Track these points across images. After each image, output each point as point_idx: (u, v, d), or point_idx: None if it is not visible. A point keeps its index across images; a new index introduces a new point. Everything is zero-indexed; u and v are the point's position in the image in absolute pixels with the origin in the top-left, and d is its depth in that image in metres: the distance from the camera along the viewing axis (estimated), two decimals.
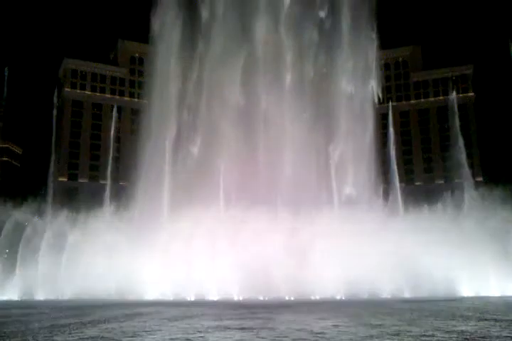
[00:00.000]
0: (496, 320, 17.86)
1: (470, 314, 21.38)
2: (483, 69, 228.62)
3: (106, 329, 15.90)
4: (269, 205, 52.24)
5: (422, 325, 16.48)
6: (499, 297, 43.84)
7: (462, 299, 40.00)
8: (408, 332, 14.07)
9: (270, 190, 59.75)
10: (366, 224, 48.62)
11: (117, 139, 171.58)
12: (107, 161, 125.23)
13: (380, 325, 16.34)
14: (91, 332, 15.10)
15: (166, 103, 70.24)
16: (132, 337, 13.54)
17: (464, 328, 15.00)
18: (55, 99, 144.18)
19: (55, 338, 13.38)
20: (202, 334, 13.95)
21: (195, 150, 67.19)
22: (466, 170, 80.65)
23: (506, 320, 17.91)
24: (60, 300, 47.28)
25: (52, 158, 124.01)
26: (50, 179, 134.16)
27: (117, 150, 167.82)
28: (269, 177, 61.60)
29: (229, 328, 15.88)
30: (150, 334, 14.17)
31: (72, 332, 15.18)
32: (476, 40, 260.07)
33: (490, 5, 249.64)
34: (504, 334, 13.34)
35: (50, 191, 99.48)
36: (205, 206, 51.14)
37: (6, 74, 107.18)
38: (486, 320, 18.19)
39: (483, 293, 46.47)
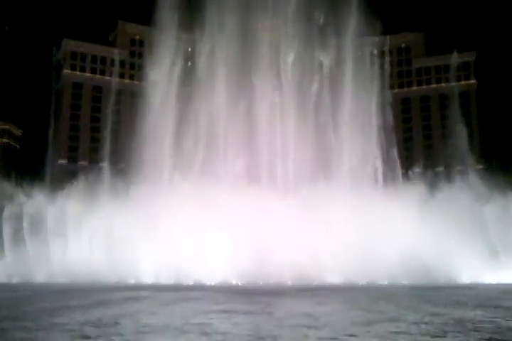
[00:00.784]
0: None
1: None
2: (485, 56, 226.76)
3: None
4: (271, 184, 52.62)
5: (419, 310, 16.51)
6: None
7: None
8: (404, 317, 14.09)
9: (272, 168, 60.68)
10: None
11: (117, 121, 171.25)
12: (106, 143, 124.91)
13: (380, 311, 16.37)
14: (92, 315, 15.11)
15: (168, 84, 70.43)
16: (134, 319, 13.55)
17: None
18: (54, 83, 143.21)
19: (54, 320, 13.40)
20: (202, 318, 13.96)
21: (201, 131, 67.11)
22: (467, 157, 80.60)
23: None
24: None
25: (50, 139, 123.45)
26: (49, 161, 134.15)
27: (117, 132, 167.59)
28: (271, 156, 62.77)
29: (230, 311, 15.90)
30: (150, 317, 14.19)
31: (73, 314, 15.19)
32: (479, 27, 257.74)
33: None
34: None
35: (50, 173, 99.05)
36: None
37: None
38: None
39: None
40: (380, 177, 69.30)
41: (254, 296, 25.38)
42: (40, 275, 50.57)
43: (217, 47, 71.66)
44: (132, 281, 46.12)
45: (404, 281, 44.65)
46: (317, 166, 61.52)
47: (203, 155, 62.24)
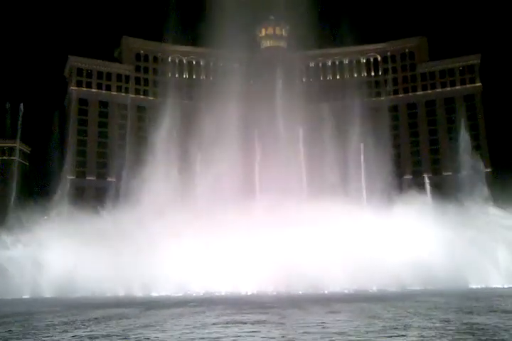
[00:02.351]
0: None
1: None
2: (490, 59, 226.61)
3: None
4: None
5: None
6: None
7: None
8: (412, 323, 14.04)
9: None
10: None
11: (123, 136, 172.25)
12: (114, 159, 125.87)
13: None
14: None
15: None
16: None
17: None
18: (60, 99, 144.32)
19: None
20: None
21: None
22: (474, 162, 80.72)
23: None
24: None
25: (58, 155, 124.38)
26: (64, 177, 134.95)
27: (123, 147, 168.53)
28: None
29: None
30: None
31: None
32: (482, 30, 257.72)
33: None
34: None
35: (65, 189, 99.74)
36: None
37: (22, 109, 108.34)
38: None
39: None
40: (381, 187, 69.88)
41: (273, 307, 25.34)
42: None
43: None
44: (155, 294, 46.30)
45: (416, 287, 44.42)
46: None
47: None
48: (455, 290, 40.49)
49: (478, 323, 14.05)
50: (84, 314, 22.67)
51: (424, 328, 13.13)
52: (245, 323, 15.94)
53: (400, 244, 46.29)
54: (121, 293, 46.43)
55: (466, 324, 13.97)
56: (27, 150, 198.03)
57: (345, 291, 43.99)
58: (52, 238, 51.72)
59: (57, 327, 16.15)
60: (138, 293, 47.15)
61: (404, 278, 44.22)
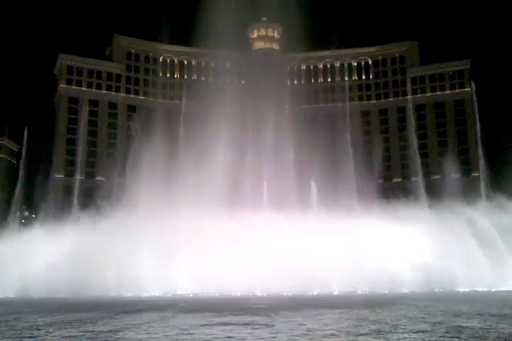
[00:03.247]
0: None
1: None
2: (481, 63, 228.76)
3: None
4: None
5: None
6: None
7: None
8: (404, 326, 14.14)
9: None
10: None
11: (114, 135, 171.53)
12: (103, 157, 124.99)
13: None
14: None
15: None
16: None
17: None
18: (50, 97, 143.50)
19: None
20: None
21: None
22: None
23: None
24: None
25: (47, 153, 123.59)
26: (52, 176, 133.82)
27: (113, 146, 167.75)
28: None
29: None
30: None
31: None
32: (473, 35, 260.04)
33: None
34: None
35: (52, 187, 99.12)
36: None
37: (26, 135, 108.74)
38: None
39: None
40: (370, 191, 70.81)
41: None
42: None
43: None
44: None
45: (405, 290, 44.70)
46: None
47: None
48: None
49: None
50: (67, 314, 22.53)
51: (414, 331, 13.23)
52: (251, 324, 15.94)
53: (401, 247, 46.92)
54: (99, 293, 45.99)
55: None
56: (15, 148, 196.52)
57: (335, 293, 44.20)
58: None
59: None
60: (128, 293, 46.91)
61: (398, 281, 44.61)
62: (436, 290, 45.21)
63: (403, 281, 44.78)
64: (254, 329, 14.41)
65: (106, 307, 28.10)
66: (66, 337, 13.05)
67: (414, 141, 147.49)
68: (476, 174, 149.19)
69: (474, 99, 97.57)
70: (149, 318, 19.45)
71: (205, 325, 16.05)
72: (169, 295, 45.96)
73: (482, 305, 25.62)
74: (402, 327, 14.44)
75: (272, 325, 15.52)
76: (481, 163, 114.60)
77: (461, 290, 46.24)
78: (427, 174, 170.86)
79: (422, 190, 75.58)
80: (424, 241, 48.42)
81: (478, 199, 58.51)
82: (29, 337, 12.99)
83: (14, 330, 14.94)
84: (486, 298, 34.43)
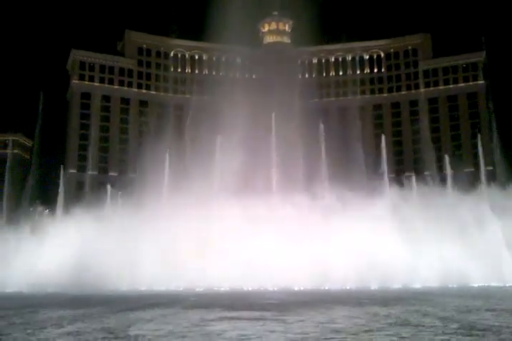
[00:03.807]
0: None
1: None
2: (494, 56, 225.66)
3: None
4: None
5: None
6: None
7: None
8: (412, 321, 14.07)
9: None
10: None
11: (126, 130, 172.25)
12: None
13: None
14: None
15: None
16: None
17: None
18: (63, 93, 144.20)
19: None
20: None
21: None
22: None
23: None
24: None
25: (60, 149, 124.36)
26: (65, 171, 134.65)
27: (126, 141, 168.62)
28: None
29: None
30: None
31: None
32: (487, 27, 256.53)
33: None
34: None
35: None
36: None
37: (42, 97, 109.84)
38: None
39: None
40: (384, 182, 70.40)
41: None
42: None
43: None
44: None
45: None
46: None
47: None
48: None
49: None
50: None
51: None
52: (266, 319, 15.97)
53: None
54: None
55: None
56: (29, 143, 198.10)
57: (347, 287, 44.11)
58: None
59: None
60: (141, 287, 47.14)
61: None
62: (450, 285, 44.87)
63: (416, 276, 44.53)
64: (264, 325, 14.42)
65: (113, 301, 28.33)
66: (77, 331, 13.17)
67: (427, 135, 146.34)
68: (491, 168, 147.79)
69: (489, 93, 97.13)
70: (161, 313, 19.56)
71: (215, 319, 16.10)
72: (181, 289, 46.17)
73: (496, 300, 25.43)
74: (413, 322, 14.37)
75: (283, 320, 15.53)
76: (497, 156, 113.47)
77: (476, 285, 45.87)
78: (439, 168, 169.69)
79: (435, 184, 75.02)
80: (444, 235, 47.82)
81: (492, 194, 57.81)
82: (42, 329, 13.13)
83: (27, 324, 15.10)
84: (500, 293, 34.17)
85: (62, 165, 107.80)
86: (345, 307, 21.07)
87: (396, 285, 44.53)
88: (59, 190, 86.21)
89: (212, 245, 47.16)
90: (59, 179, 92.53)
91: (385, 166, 78.04)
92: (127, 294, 39.07)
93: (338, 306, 21.93)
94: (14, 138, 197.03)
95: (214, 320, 15.68)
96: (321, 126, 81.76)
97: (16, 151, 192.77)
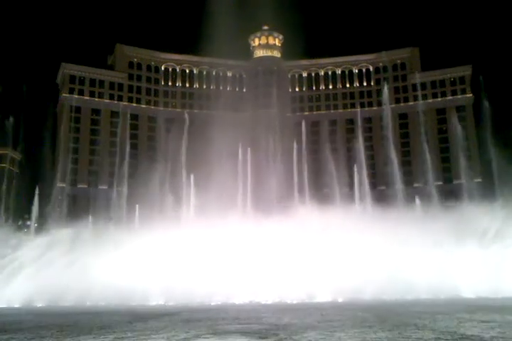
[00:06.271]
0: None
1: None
2: (482, 69, 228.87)
3: None
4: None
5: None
6: None
7: None
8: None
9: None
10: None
11: (115, 144, 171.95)
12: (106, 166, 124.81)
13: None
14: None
15: None
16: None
17: None
18: (52, 106, 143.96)
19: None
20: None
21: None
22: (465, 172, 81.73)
23: None
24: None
25: (49, 163, 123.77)
26: (56, 185, 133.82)
27: (115, 155, 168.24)
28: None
29: None
30: None
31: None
32: (475, 41, 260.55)
33: (488, 5, 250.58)
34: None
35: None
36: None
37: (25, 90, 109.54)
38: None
39: None
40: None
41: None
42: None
43: None
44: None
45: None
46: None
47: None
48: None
49: None
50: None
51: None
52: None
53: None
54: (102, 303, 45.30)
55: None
56: (18, 157, 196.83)
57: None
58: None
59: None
60: (133, 302, 46.42)
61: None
62: (442, 296, 44.56)
63: (408, 287, 44.14)
64: (261, 338, 14.24)
65: (114, 314, 27.88)
66: None
67: (424, 147, 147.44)
68: (478, 180, 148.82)
69: (487, 104, 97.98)
70: (150, 327, 19.28)
71: (207, 334, 15.89)
72: (171, 303, 45.58)
73: (489, 312, 25.36)
74: (405, 335, 14.26)
75: (277, 334, 15.36)
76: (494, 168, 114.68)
77: (468, 296, 45.67)
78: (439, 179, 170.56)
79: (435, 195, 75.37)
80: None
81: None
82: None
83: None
84: (493, 304, 34.13)
85: (50, 179, 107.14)
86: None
87: (388, 296, 44.19)
88: (34, 204, 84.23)
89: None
90: (49, 193, 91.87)
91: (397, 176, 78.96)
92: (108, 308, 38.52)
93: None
94: (3, 152, 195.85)
95: (205, 335, 15.47)
96: (295, 145, 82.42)
97: (4, 165, 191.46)
